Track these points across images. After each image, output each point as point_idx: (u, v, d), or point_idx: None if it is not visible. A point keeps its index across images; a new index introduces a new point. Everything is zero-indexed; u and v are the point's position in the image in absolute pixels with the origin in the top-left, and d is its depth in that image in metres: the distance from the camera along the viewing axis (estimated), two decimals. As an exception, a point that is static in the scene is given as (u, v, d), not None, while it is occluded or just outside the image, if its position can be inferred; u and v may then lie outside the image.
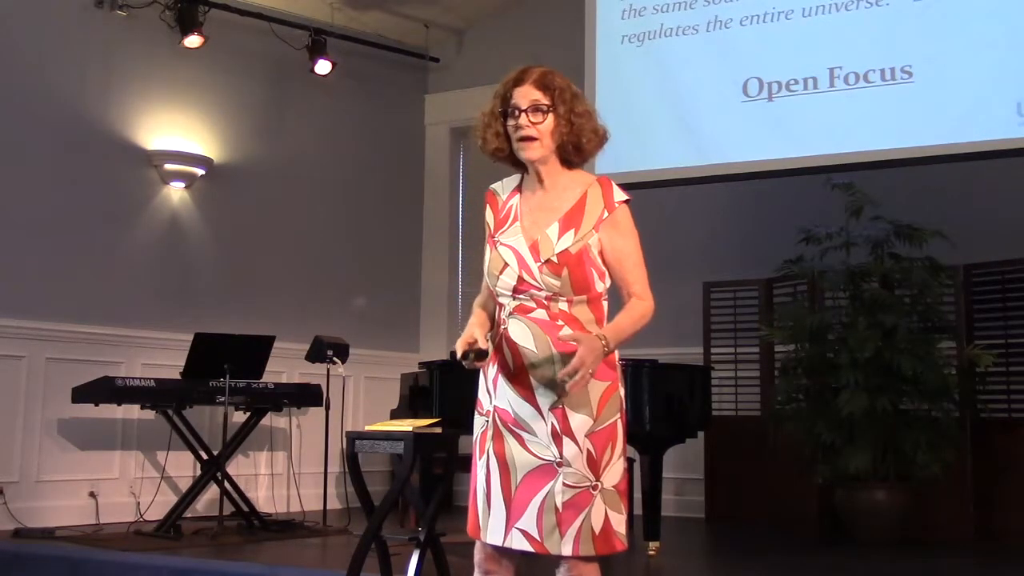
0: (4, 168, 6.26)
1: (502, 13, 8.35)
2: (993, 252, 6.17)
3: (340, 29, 7.84)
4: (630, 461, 6.14)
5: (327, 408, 6.59)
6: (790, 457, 6.28)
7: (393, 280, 8.28)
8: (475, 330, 2.56)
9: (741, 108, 6.38)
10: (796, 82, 6.24)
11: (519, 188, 2.67)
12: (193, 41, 6.99)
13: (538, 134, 2.56)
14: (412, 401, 5.82)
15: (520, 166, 2.67)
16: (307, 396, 6.64)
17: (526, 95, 2.56)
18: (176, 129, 7.12)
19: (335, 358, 6.60)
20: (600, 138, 2.63)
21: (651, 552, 5.26)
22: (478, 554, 2.62)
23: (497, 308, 2.63)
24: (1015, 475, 5.94)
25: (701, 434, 6.04)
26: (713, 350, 7.07)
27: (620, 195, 2.66)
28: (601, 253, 2.61)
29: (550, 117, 2.56)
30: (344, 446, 4.75)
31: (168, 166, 7.04)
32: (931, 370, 5.77)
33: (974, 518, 5.99)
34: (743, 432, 6.77)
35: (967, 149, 5.79)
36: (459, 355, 2.54)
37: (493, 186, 2.72)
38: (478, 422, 2.65)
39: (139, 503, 6.46)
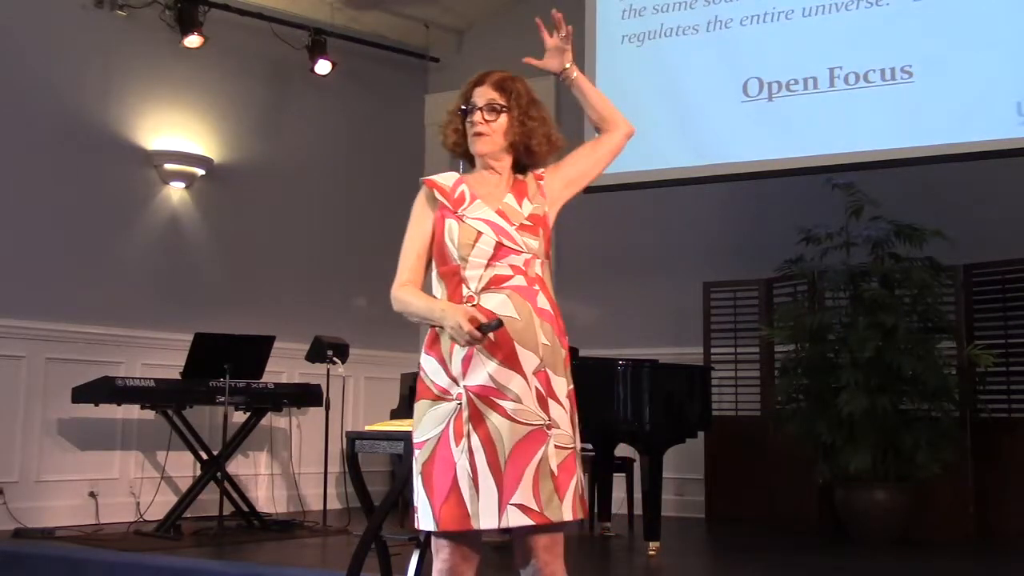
0: (4, 168, 6.27)
1: (502, 13, 8.34)
2: (993, 252, 6.17)
3: (340, 29, 7.85)
4: (630, 461, 6.18)
5: (327, 408, 6.60)
6: (790, 457, 6.29)
7: (393, 280, 8.26)
8: (462, 307, 2.55)
9: (741, 108, 6.38)
10: (796, 82, 6.24)
11: (461, 178, 2.75)
12: (193, 41, 6.99)
13: (490, 131, 2.69)
14: (412, 401, 5.81)
15: (474, 162, 2.78)
16: (307, 396, 6.64)
17: (484, 95, 2.70)
18: (176, 129, 7.12)
19: (335, 358, 6.60)
20: (552, 145, 2.75)
21: (651, 552, 5.26)
22: (450, 555, 2.54)
23: (451, 284, 2.62)
24: (1015, 475, 5.95)
25: (701, 434, 6.05)
26: (713, 350, 7.07)
27: (539, 169, 2.80)
28: (571, 182, 2.79)
29: (504, 117, 2.69)
30: (344, 446, 4.75)
31: (168, 166, 7.04)
32: (931, 370, 5.77)
33: (974, 518, 5.99)
34: (743, 432, 6.77)
35: (967, 149, 5.79)
36: (475, 330, 2.47)
37: (431, 177, 2.76)
38: (440, 411, 2.58)
39: (139, 503, 6.46)
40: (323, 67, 7.65)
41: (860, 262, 6.05)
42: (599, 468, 6.21)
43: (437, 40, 8.55)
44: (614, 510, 6.23)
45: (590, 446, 6.22)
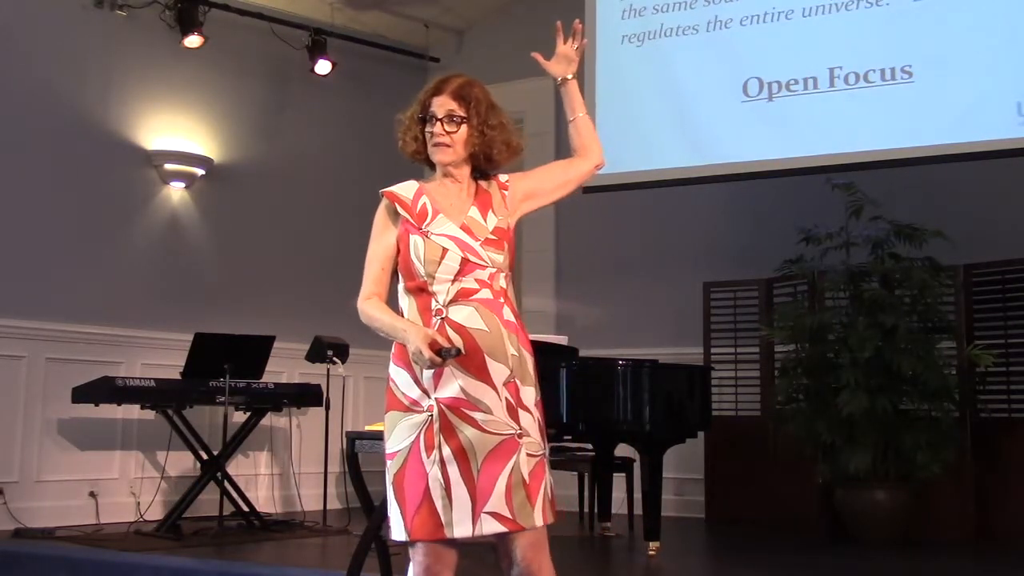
0: (4, 168, 6.27)
1: (502, 13, 8.35)
2: (993, 252, 6.17)
3: (340, 29, 7.85)
4: (630, 461, 6.18)
5: (327, 408, 6.60)
6: (790, 457, 6.29)
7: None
8: (426, 329, 2.58)
9: (741, 108, 6.38)
10: (796, 82, 6.24)
11: (422, 188, 2.76)
12: (193, 41, 6.99)
13: (451, 142, 2.69)
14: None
15: (435, 168, 2.79)
16: (307, 396, 6.64)
17: (443, 105, 2.69)
18: (176, 129, 7.12)
19: (335, 358, 6.60)
20: (512, 150, 2.76)
21: (651, 552, 5.25)
22: (427, 558, 2.58)
23: (419, 299, 2.65)
24: (1015, 475, 5.94)
25: (701, 434, 6.04)
26: (713, 350, 7.07)
27: (504, 176, 2.82)
28: (530, 195, 2.80)
29: (464, 127, 2.69)
30: (344, 446, 4.75)
31: (168, 166, 7.04)
32: (931, 370, 5.77)
33: (974, 518, 5.98)
34: (743, 432, 6.76)
35: (967, 149, 5.79)
36: (433, 355, 2.50)
37: (391, 188, 2.77)
38: (411, 421, 2.61)
39: (139, 503, 6.46)
40: (323, 67, 7.65)
41: (860, 262, 6.05)
42: (599, 468, 6.21)
43: (437, 40, 8.55)
44: (614, 510, 6.23)
45: (590, 446, 6.22)
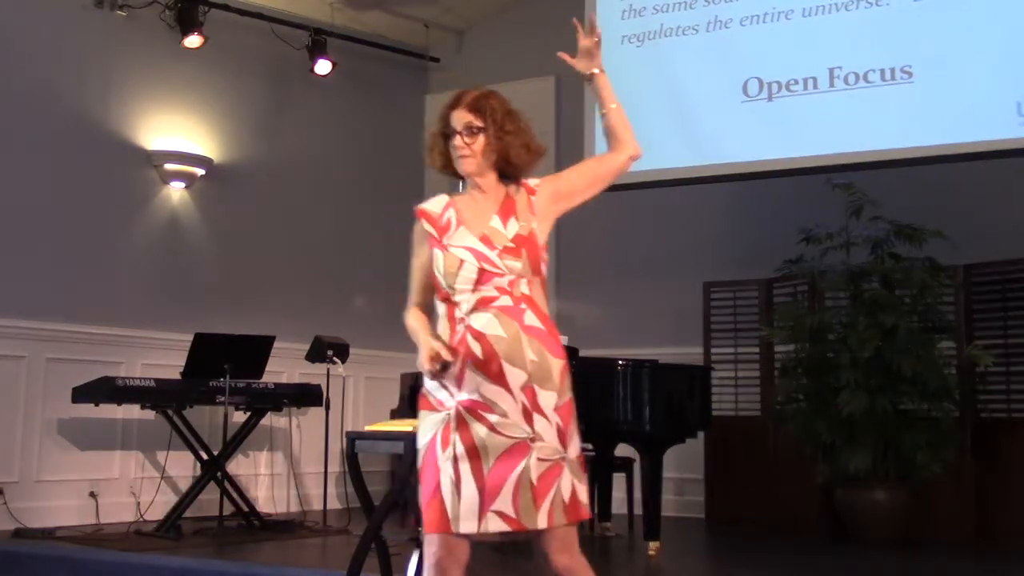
0: (4, 168, 6.27)
1: (502, 13, 8.35)
2: (993, 252, 6.17)
3: (340, 29, 7.85)
4: (630, 461, 6.18)
5: (327, 408, 6.59)
6: (790, 457, 6.29)
7: (393, 280, 8.24)
8: (433, 343, 2.68)
9: (741, 108, 6.38)
10: (796, 82, 6.24)
11: (451, 202, 2.86)
12: (193, 41, 7.00)
13: (471, 152, 2.80)
14: (412, 401, 5.81)
15: (465, 180, 2.89)
16: (307, 396, 6.64)
17: (461, 118, 2.81)
18: (176, 129, 7.12)
19: (335, 358, 6.60)
20: (532, 152, 2.85)
21: (651, 552, 5.26)
22: (438, 550, 2.65)
23: (448, 308, 2.76)
24: (1015, 475, 5.94)
25: (701, 434, 6.04)
26: (713, 350, 7.07)
27: (534, 180, 2.88)
28: (559, 195, 2.86)
29: (481, 137, 2.79)
30: (344, 446, 4.76)
31: (168, 166, 7.04)
32: (931, 370, 5.77)
33: (974, 518, 5.99)
34: (743, 432, 6.77)
35: (967, 149, 5.79)
36: (431, 367, 2.64)
37: (422, 205, 2.88)
38: (434, 419, 2.72)
39: (139, 503, 6.46)
40: (323, 67, 7.65)
41: (860, 262, 6.05)
42: (599, 468, 6.21)
43: (437, 40, 8.55)
44: (614, 510, 6.23)
45: (590, 446, 6.22)
